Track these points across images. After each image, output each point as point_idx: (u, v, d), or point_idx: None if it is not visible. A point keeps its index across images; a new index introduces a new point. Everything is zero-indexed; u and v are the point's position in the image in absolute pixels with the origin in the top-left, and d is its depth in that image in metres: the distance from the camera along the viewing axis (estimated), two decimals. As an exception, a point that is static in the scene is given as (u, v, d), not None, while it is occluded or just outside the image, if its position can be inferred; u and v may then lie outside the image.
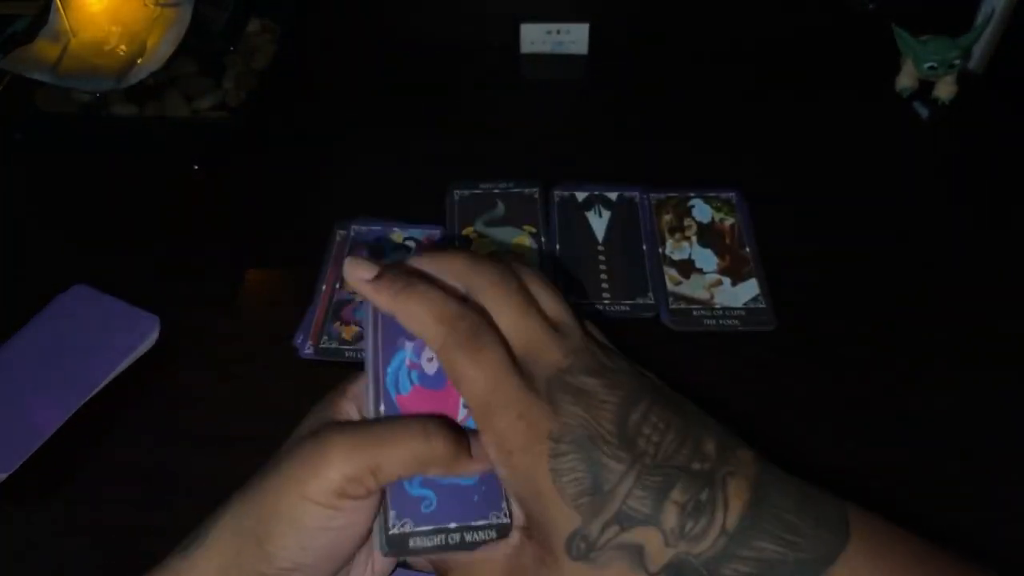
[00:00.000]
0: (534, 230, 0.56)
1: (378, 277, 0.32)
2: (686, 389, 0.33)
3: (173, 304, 0.52)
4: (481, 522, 0.34)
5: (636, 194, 0.58)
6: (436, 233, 0.56)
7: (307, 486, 0.30)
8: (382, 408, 0.34)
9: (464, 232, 0.56)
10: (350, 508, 0.31)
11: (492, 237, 0.56)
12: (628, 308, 0.52)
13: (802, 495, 0.30)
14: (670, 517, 0.29)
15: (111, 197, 0.61)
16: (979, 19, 0.66)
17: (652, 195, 0.58)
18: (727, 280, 0.53)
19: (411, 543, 0.33)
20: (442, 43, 0.73)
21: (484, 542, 0.33)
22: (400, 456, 0.31)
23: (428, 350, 0.34)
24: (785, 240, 0.56)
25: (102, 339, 0.49)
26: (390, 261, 0.34)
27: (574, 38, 0.71)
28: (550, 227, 0.56)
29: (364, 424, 0.33)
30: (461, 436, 0.32)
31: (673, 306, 0.52)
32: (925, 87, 0.67)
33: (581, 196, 0.58)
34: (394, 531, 0.33)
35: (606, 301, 0.52)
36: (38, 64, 0.60)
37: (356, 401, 0.34)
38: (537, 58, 0.72)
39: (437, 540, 0.33)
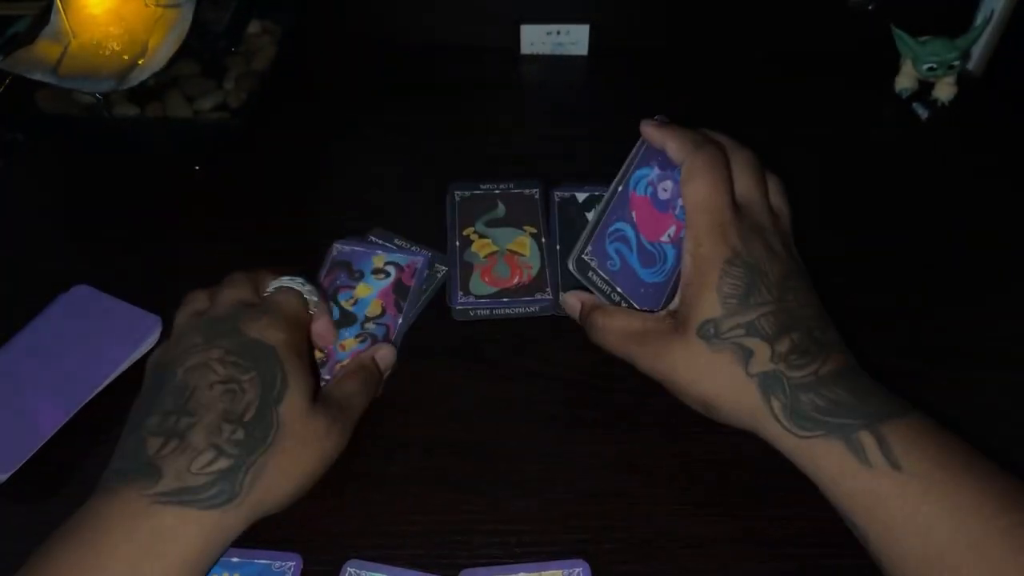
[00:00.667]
0: (535, 230, 0.56)
1: (660, 125, 0.46)
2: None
3: (174, 304, 0.52)
4: (636, 304, 0.45)
5: (636, 194, 0.58)
6: (419, 260, 0.54)
7: (329, 452, 0.41)
8: (619, 188, 0.46)
9: (465, 232, 0.56)
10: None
11: (493, 238, 0.56)
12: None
13: (885, 389, 0.39)
14: (784, 343, 0.39)
15: (112, 197, 0.61)
16: (978, 20, 0.66)
17: None
18: None
19: (589, 274, 0.44)
20: (442, 43, 0.73)
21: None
22: (362, 409, 0.45)
23: (665, 183, 0.46)
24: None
25: (103, 339, 0.49)
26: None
27: (574, 39, 0.71)
28: (551, 227, 0.56)
29: (345, 402, 0.44)
30: (376, 369, 0.47)
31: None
32: (924, 88, 0.67)
33: (582, 197, 0.58)
34: (585, 258, 0.44)
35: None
36: (39, 65, 0.60)
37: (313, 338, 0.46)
38: (537, 59, 0.72)
39: (604, 287, 0.45)
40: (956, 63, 0.64)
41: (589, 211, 0.57)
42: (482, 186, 0.59)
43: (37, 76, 0.59)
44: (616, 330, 0.43)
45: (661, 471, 0.45)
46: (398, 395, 0.48)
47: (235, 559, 0.41)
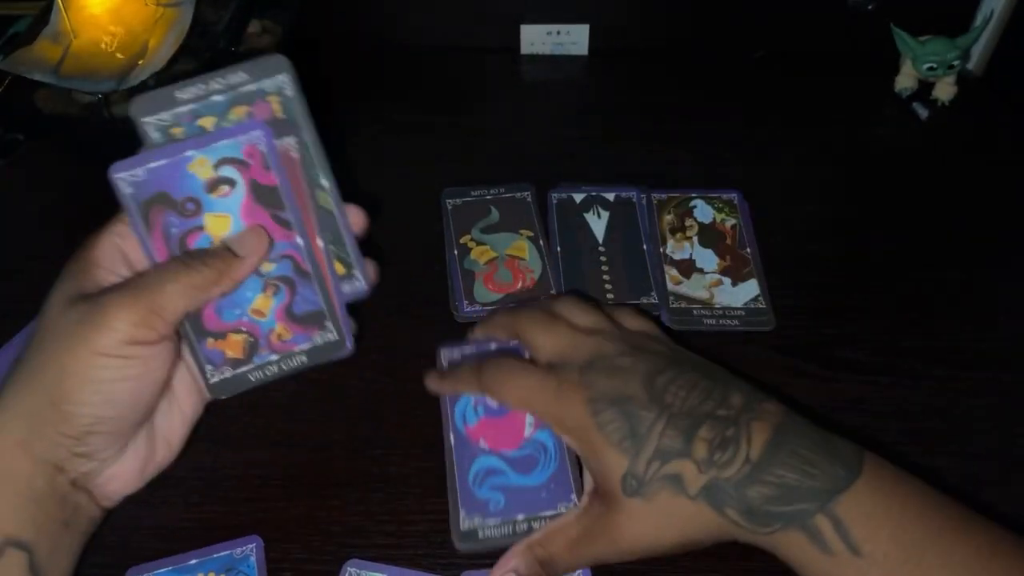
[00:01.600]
0: (531, 234, 0.56)
1: (441, 380, 0.43)
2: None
3: (174, 304, 0.52)
4: (549, 512, 0.41)
5: (634, 194, 0.58)
6: (257, 135, 0.36)
7: (95, 342, 0.33)
8: (452, 437, 0.43)
9: (462, 240, 0.56)
10: (144, 356, 0.34)
11: (490, 244, 0.55)
12: (629, 308, 0.52)
13: (821, 437, 0.36)
14: (700, 450, 0.35)
15: (112, 198, 0.61)
16: (978, 20, 0.66)
17: (654, 195, 0.58)
18: (727, 280, 0.53)
19: (480, 536, 0.40)
20: (442, 44, 0.73)
21: None
22: (176, 291, 0.34)
23: None
24: (785, 240, 0.56)
25: (103, 339, 0.49)
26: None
27: (574, 39, 0.71)
28: (549, 230, 0.56)
29: (133, 278, 0.35)
30: (219, 250, 0.36)
31: (673, 305, 0.52)
32: (925, 88, 0.67)
33: (579, 198, 0.58)
34: (465, 526, 0.40)
35: (610, 302, 0.52)
36: (39, 65, 0.60)
37: (109, 264, 0.36)
38: (537, 59, 0.72)
39: (505, 531, 0.40)
40: (956, 63, 0.64)
41: (588, 212, 0.57)
42: (473, 192, 0.58)
43: (37, 76, 0.59)
44: (563, 553, 0.38)
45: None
46: (399, 395, 0.48)
47: (193, 561, 0.40)
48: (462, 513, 0.41)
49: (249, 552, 0.41)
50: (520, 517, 0.41)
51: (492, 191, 0.58)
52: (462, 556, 0.41)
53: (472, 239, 0.56)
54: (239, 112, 0.36)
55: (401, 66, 0.71)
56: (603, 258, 0.55)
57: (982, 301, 0.53)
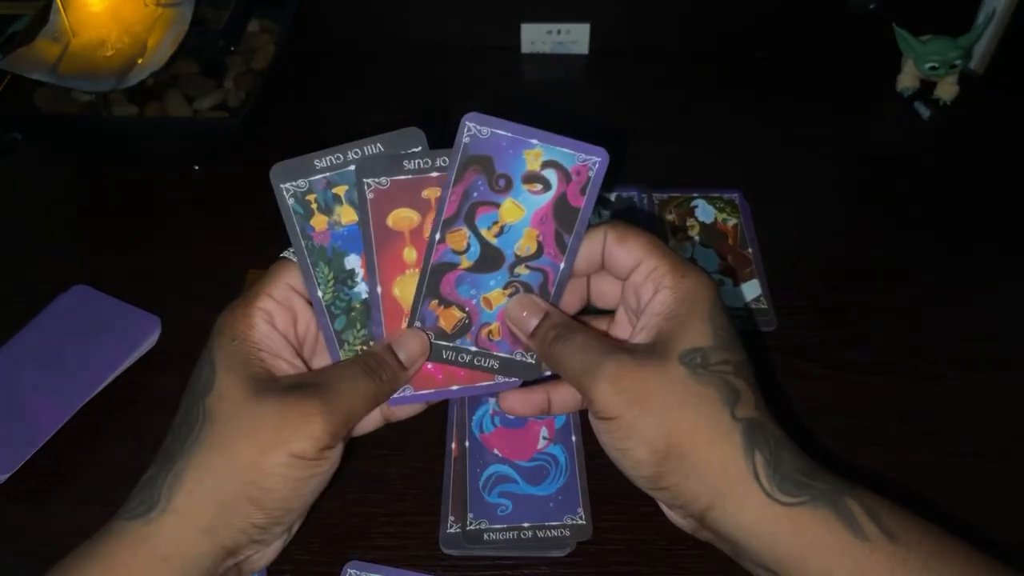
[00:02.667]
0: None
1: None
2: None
3: (173, 304, 0.52)
4: (555, 523, 0.42)
5: (635, 194, 0.58)
6: (595, 161, 0.38)
7: (297, 447, 0.33)
8: (467, 443, 0.45)
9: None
10: (330, 458, 0.34)
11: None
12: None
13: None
14: (761, 395, 0.33)
15: (111, 197, 0.61)
16: (980, 19, 0.65)
17: (655, 194, 0.58)
18: (729, 280, 0.53)
19: (485, 538, 0.41)
20: (442, 43, 0.73)
21: (557, 539, 0.41)
22: (362, 401, 0.35)
23: None
24: (787, 240, 0.56)
25: (102, 339, 0.49)
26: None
27: (575, 38, 0.71)
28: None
29: (322, 379, 0.35)
30: (389, 359, 0.36)
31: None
32: (926, 87, 0.66)
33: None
34: (472, 527, 0.41)
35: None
36: (38, 64, 0.60)
37: (275, 350, 0.36)
38: (538, 58, 0.72)
39: (508, 536, 0.41)
40: (958, 62, 0.64)
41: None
42: None
43: (36, 75, 0.59)
44: (579, 344, 0.35)
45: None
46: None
47: None
48: (471, 515, 0.42)
49: None
50: (526, 524, 0.42)
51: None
52: (460, 560, 0.41)
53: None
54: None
55: (402, 64, 0.71)
56: (604, 258, 0.55)
57: (983, 300, 0.53)
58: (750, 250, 0.55)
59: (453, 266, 0.36)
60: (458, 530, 0.42)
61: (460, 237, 0.36)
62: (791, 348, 0.50)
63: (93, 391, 0.48)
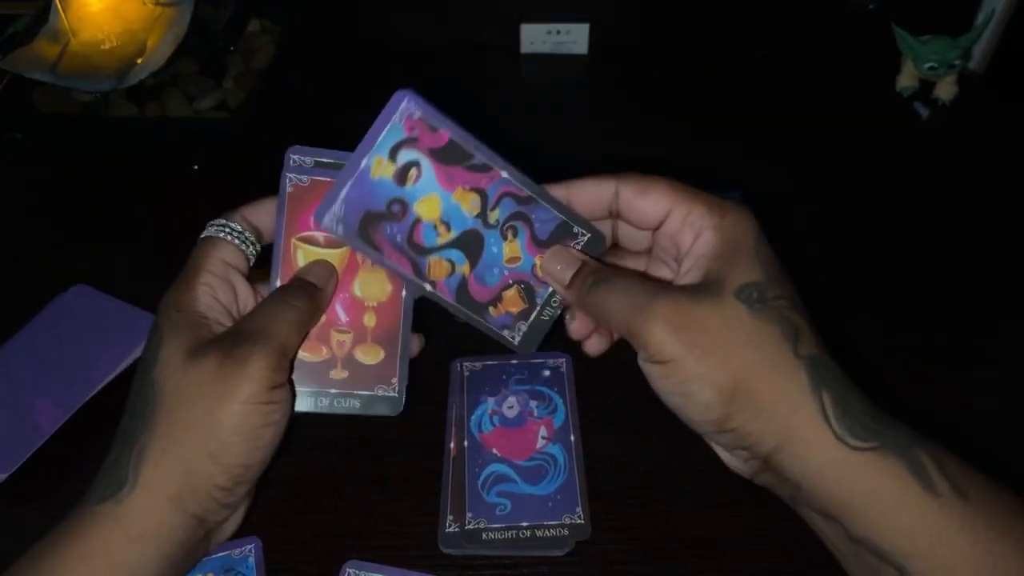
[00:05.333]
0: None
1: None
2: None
3: (173, 304, 0.52)
4: (553, 522, 0.42)
5: (636, 194, 0.58)
6: (411, 106, 0.36)
7: (244, 392, 0.33)
8: (465, 443, 0.45)
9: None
10: (283, 398, 0.35)
11: None
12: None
13: None
14: (818, 335, 0.32)
15: (111, 197, 0.61)
16: (979, 19, 0.66)
17: None
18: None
19: (483, 538, 0.41)
20: (442, 43, 0.73)
21: (556, 538, 0.41)
22: (291, 329, 0.35)
23: (508, 400, 0.46)
24: (785, 240, 0.56)
25: (102, 339, 0.49)
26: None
27: (574, 38, 0.71)
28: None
29: (248, 325, 0.35)
30: (304, 283, 0.37)
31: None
32: (926, 87, 0.67)
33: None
34: (471, 526, 0.41)
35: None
36: (38, 64, 0.60)
37: (215, 316, 0.36)
38: (537, 58, 0.72)
39: (507, 535, 0.41)
40: (957, 62, 0.64)
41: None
42: None
43: (36, 75, 0.59)
44: (622, 287, 0.33)
45: (662, 471, 0.45)
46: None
47: None
48: (470, 514, 0.42)
49: (248, 553, 0.41)
50: (524, 524, 0.42)
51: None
52: (459, 560, 0.41)
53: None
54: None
55: (401, 65, 0.71)
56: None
57: (983, 301, 0.53)
58: (749, 250, 0.55)
59: (463, 280, 0.36)
60: (457, 530, 0.42)
61: (440, 265, 0.36)
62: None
63: (93, 391, 0.48)
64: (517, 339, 0.37)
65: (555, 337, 0.38)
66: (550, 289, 0.36)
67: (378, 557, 0.41)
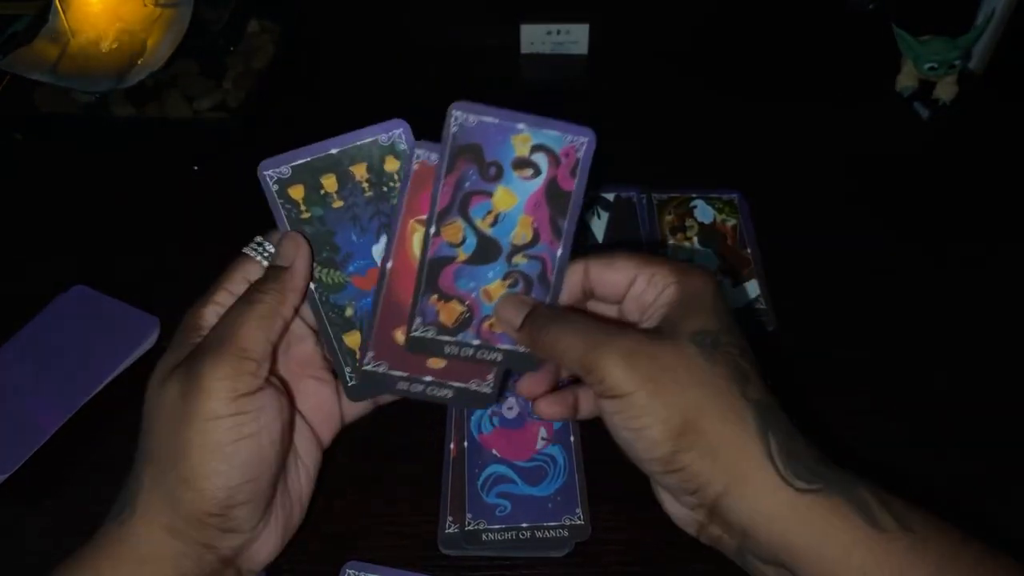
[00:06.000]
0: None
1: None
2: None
3: (173, 305, 0.52)
4: (553, 523, 0.41)
5: (633, 194, 0.58)
6: (583, 141, 0.36)
7: (204, 409, 0.32)
8: (465, 443, 0.45)
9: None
10: (254, 408, 0.33)
11: None
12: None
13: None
14: (765, 383, 0.32)
15: (111, 198, 0.61)
16: (979, 19, 0.65)
17: (654, 195, 0.58)
18: (728, 281, 0.53)
19: (483, 539, 0.41)
20: (442, 43, 0.73)
21: (556, 539, 0.41)
22: (251, 328, 0.34)
23: (508, 401, 0.46)
24: (786, 241, 0.56)
25: (102, 340, 0.49)
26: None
27: (574, 38, 0.71)
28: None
29: (209, 333, 0.34)
30: (270, 271, 0.36)
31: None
32: (926, 87, 0.66)
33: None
34: (471, 527, 0.41)
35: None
36: (38, 64, 0.60)
37: (224, 306, 0.36)
38: (537, 58, 0.72)
39: (507, 536, 0.41)
40: (957, 62, 0.64)
41: (588, 212, 0.57)
42: None
43: (36, 76, 0.59)
44: (577, 324, 0.34)
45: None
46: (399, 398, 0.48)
47: None
48: (470, 515, 0.42)
49: None
50: (524, 525, 0.42)
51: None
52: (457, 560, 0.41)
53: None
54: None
55: (401, 64, 0.71)
56: (603, 258, 0.55)
57: (983, 301, 0.53)
58: (749, 250, 0.55)
59: (451, 259, 0.36)
60: (457, 530, 0.42)
61: (455, 230, 0.35)
62: (789, 348, 0.50)
63: (93, 391, 0.48)
64: (416, 332, 0.36)
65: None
66: (474, 343, 0.36)
67: (378, 558, 0.41)
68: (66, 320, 0.50)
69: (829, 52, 0.70)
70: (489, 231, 0.36)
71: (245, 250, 0.38)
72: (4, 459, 0.44)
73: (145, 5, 0.62)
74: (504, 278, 0.36)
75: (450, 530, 0.42)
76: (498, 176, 0.35)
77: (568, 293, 0.37)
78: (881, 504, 0.30)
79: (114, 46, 0.61)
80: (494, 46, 0.72)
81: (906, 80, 0.66)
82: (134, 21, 0.62)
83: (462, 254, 0.36)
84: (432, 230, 0.35)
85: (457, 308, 0.36)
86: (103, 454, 0.46)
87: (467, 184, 0.35)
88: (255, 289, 0.35)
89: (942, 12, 0.66)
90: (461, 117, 0.35)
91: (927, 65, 0.64)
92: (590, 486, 0.43)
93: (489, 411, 0.46)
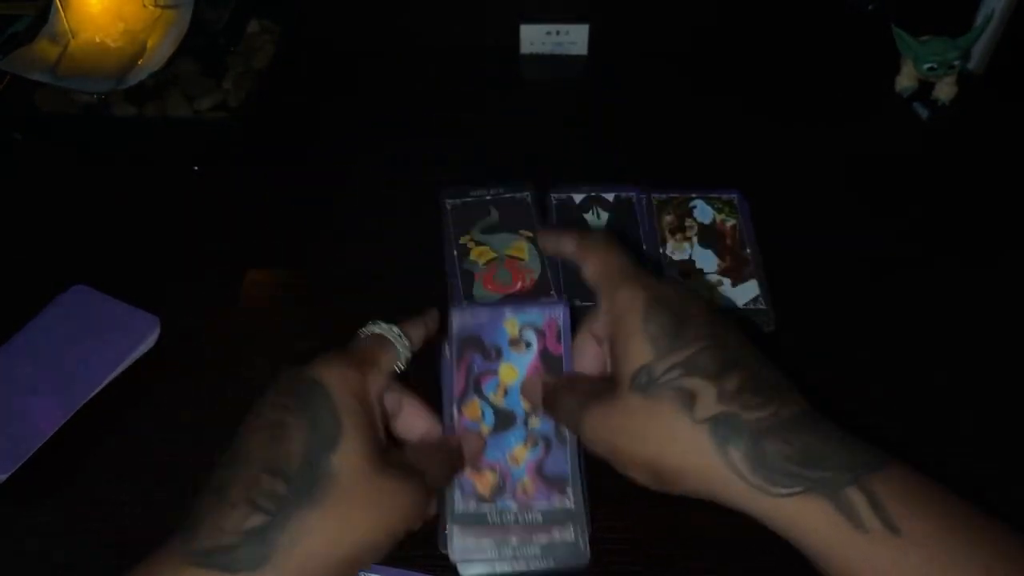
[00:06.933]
0: (531, 234, 0.56)
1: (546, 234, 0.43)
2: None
3: (173, 305, 0.52)
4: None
5: (633, 195, 0.58)
6: (558, 312, 0.43)
7: (401, 528, 0.35)
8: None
9: (461, 240, 0.55)
10: None
11: (490, 244, 0.55)
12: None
13: (851, 434, 0.33)
14: (731, 380, 0.33)
15: (111, 197, 0.61)
16: (979, 19, 0.66)
17: (654, 195, 0.58)
18: (727, 281, 0.53)
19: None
20: (442, 44, 0.73)
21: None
22: (442, 483, 0.39)
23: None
24: (785, 241, 0.56)
25: (102, 340, 0.49)
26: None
27: (574, 39, 0.71)
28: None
29: (419, 460, 0.38)
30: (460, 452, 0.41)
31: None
32: (925, 88, 0.67)
33: (579, 198, 0.58)
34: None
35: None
36: (38, 64, 0.60)
37: (382, 384, 0.38)
38: (537, 59, 0.72)
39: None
40: (957, 63, 0.64)
41: (587, 212, 0.57)
42: (472, 193, 0.58)
43: (36, 76, 0.59)
44: (563, 404, 0.39)
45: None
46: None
47: None
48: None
49: None
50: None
51: (492, 191, 0.58)
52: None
53: (472, 239, 0.55)
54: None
55: (402, 65, 0.71)
56: (603, 258, 0.55)
57: (983, 301, 0.53)
58: (748, 251, 0.55)
59: (475, 435, 0.41)
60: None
61: (474, 407, 0.42)
62: (789, 348, 0.50)
63: (93, 391, 0.48)
64: (459, 507, 0.41)
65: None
66: (512, 507, 0.41)
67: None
68: (66, 320, 0.50)
69: (829, 52, 0.70)
70: (502, 403, 0.42)
71: (387, 334, 0.40)
72: (4, 459, 0.44)
73: (146, 6, 0.62)
74: (525, 442, 0.42)
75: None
76: (499, 356, 0.43)
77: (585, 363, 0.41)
78: (870, 503, 0.30)
79: (114, 46, 0.61)
80: (494, 46, 0.72)
81: (906, 80, 0.67)
82: (135, 21, 0.62)
83: (485, 427, 0.42)
84: (455, 411, 0.42)
85: (490, 477, 0.41)
86: (103, 454, 0.47)
87: (476, 368, 0.42)
88: (452, 456, 0.40)
89: (942, 12, 0.66)
90: (460, 316, 0.43)
91: (926, 65, 0.64)
92: (590, 485, 0.43)
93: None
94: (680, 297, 0.36)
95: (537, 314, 0.43)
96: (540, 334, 0.43)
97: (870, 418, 0.47)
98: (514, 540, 0.40)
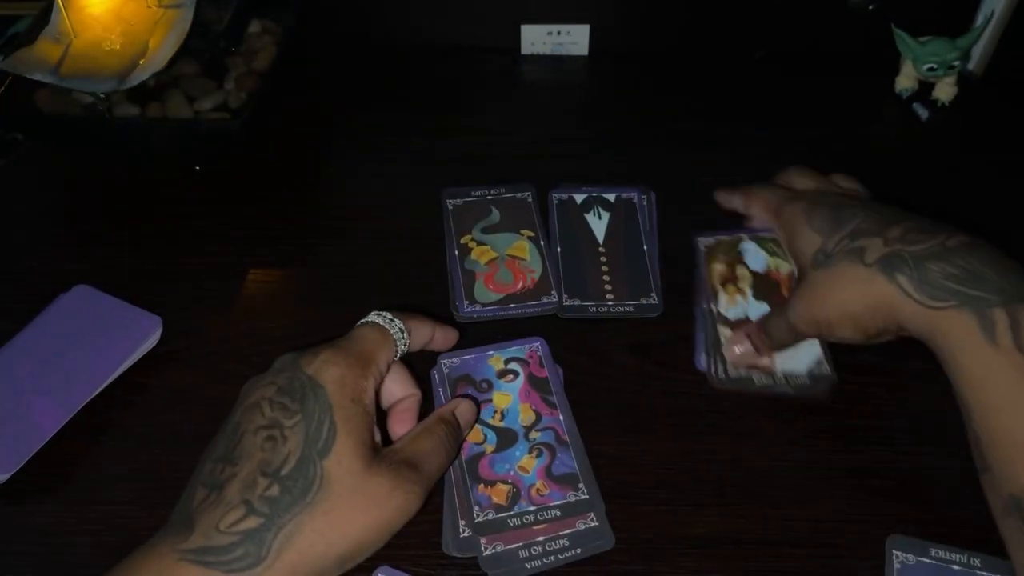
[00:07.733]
0: (532, 234, 0.56)
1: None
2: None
3: (175, 304, 0.52)
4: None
5: (634, 195, 0.58)
6: (537, 345, 0.49)
7: (398, 521, 0.35)
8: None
9: (463, 240, 0.56)
10: None
11: (491, 244, 0.55)
12: (632, 308, 0.52)
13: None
14: (894, 231, 0.41)
15: (112, 197, 0.61)
16: (979, 20, 0.66)
17: (701, 240, 0.53)
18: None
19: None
20: (442, 44, 0.73)
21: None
22: (442, 468, 0.39)
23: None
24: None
25: (103, 339, 0.49)
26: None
27: (575, 39, 0.71)
28: (550, 230, 0.56)
29: (413, 453, 0.38)
30: (456, 424, 0.41)
31: (734, 374, 0.48)
32: (925, 88, 0.67)
33: (580, 198, 0.58)
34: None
35: (610, 302, 0.52)
36: (39, 65, 0.60)
37: (379, 379, 0.39)
38: (537, 59, 0.72)
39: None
40: (956, 63, 0.64)
41: (588, 212, 0.57)
42: (474, 192, 0.58)
43: (37, 76, 0.59)
44: (772, 319, 0.47)
45: (661, 471, 0.45)
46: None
47: None
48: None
49: None
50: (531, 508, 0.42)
51: (493, 191, 0.58)
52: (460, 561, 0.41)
53: (473, 239, 0.56)
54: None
55: (402, 66, 0.71)
56: (603, 259, 0.55)
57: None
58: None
59: (481, 454, 0.44)
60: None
61: (475, 432, 0.45)
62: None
63: (94, 391, 0.48)
64: (479, 519, 0.42)
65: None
66: (531, 509, 0.42)
67: (378, 557, 0.41)
68: (68, 319, 0.50)
69: (829, 53, 0.70)
70: (501, 424, 0.45)
71: (386, 325, 0.40)
72: (4, 459, 0.44)
73: (148, 6, 0.62)
74: (530, 452, 0.44)
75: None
76: (490, 388, 0.47)
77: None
78: (1011, 326, 0.35)
79: (116, 47, 0.61)
80: (494, 46, 0.72)
81: (905, 81, 0.67)
82: (136, 22, 0.62)
83: (489, 447, 0.44)
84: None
85: (504, 487, 0.43)
86: (103, 454, 0.47)
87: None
88: (449, 435, 0.40)
89: (941, 13, 0.66)
90: (448, 363, 0.48)
91: (926, 66, 0.64)
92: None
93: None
94: (834, 196, 0.46)
95: (518, 349, 0.49)
96: (524, 363, 0.48)
97: (874, 419, 0.47)
98: (540, 537, 0.41)
